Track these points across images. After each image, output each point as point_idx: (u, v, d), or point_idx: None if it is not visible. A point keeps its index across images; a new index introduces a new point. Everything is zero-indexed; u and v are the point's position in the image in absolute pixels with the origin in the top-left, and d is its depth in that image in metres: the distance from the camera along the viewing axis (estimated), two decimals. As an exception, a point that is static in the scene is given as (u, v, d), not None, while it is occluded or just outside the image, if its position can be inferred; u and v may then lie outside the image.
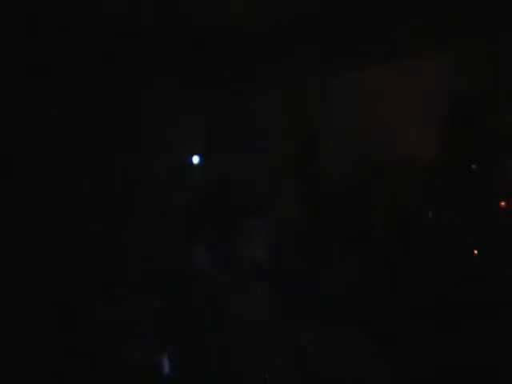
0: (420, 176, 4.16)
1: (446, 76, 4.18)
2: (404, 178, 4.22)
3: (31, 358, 3.81)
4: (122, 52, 4.47)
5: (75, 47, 4.34)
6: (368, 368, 3.55)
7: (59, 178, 4.39)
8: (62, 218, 4.35)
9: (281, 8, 4.23)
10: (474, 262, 3.66)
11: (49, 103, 4.37)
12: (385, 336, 3.71)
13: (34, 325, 3.92)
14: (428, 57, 4.18)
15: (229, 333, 3.98)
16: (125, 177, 4.59)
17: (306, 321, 3.87)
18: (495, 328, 3.35)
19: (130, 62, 4.51)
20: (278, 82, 4.69)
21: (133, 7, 4.20)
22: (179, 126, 4.73)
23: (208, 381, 3.84)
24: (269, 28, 4.39)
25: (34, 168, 4.29)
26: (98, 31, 4.34)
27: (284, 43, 4.47)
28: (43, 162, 4.34)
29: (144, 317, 4.19)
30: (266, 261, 4.43)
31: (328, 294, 4.08)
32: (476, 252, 3.66)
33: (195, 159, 4.86)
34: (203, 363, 3.93)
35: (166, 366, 4.06)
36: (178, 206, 4.73)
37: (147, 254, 4.47)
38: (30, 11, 4.10)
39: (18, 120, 4.26)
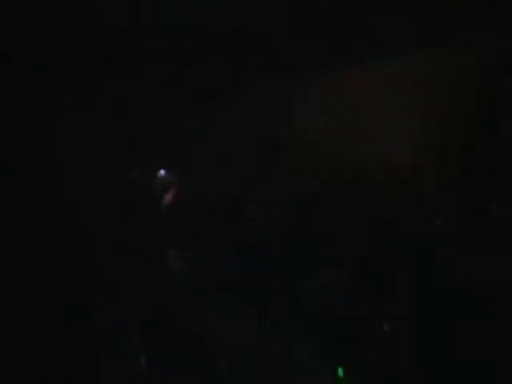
0: (404, 183, 4.15)
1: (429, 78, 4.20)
2: (388, 184, 4.21)
3: (30, 357, 3.82)
4: (122, 52, 4.48)
5: (75, 47, 4.35)
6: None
7: (59, 178, 4.40)
8: (62, 217, 4.35)
9: (281, 8, 4.24)
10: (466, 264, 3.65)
11: (48, 103, 4.37)
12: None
13: (33, 325, 3.93)
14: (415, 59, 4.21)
15: (201, 342, 3.96)
16: (124, 177, 4.59)
17: (281, 333, 3.86)
18: (491, 334, 3.33)
19: (130, 62, 4.52)
20: (278, 82, 4.69)
21: (133, 7, 4.22)
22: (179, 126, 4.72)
23: None
24: (269, 28, 4.39)
25: (34, 168, 4.30)
26: (98, 31, 4.35)
27: (284, 43, 4.47)
28: (43, 162, 4.35)
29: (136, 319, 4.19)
30: (239, 273, 4.35)
31: (303, 306, 4.02)
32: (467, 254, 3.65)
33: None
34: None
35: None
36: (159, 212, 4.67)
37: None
38: (30, 11, 4.11)
39: (18, 120, 4.27)
